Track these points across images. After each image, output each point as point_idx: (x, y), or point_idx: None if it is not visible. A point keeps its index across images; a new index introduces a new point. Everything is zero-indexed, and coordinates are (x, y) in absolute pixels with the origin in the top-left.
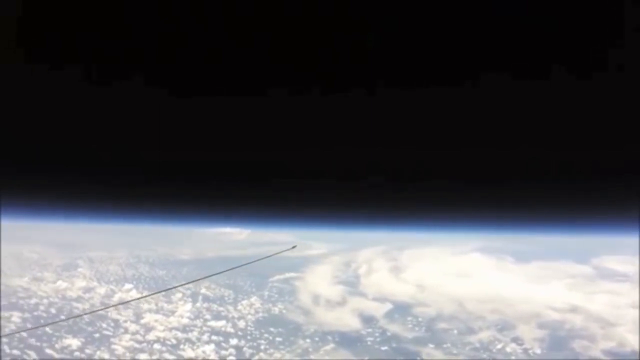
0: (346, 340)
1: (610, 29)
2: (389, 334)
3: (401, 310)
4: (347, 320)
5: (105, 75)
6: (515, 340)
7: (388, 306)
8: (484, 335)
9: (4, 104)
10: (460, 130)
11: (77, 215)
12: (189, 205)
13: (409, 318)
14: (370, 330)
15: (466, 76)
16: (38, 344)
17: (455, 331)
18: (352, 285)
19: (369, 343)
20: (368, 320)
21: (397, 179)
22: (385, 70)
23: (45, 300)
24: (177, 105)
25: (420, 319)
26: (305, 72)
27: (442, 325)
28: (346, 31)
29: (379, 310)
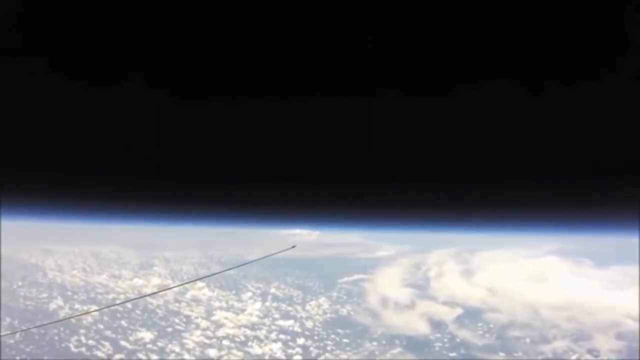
0: (414, 344)
1: (610, 29)
2: (458, 340)
3: (472, 315)
4: (415, 324)
5: (105, 75)
6: (591, 351)
7: (458, 311)
8: (558, 345)
9: (4, 104)
10: (461, 130)
11: (77, 215)
12: (189, 205)
13: (480, 324)
14: (439, 335)
15: (467, 76)
16: (113, 335)
17: (528, 340)
18: (422, 288)
19: (437, 349)
20: (437, 325)
21: (398, 179)
22: (386, 70)
23: (122, 296)
24: (177, 105)
25: (491, 326)
26: (305, 72)
27: (514, 332)
28: (346, 31)
29: (448, 314)
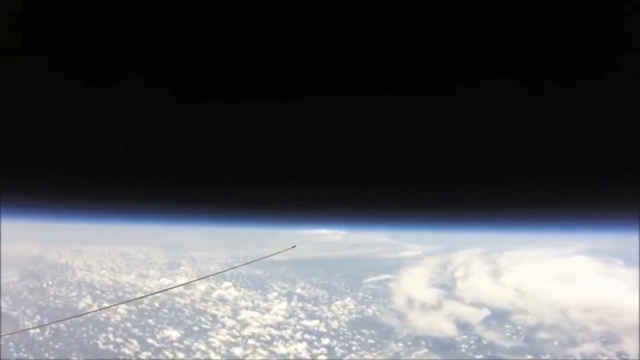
0: (439, 346)
1: (610, 30)
2: (484, 342)
3: (499, 317)
4: (441, 325)
5: (105, 75)
6: (620, 354)
7: (485, 312)
8: (587, 348)
9: (4, 104)
10: (461, 130)
11: (77, 215)
12: (189, 205)
13: (507, 326)
14: (465, 337)
15: (467, 77)
16: (140, 333)
17: (556, 342)
18: (448, 288)
19: (463, 350)
20: (463, 326)
21: (397, 179)
22: (385, 70)
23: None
24: (177, 106)
25: (519, 328)
26: (305, 72)
27: (542, 335)
28: (346, 31)
29: (475, 316)
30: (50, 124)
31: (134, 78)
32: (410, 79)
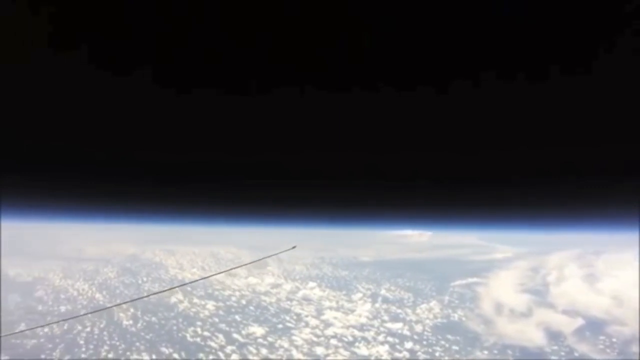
0: (527, 356)
1: (611, 30)
2: (576, 354)
3: (593, 327)
4: (530, 334)
5: (105, 75)
6: None
7: (579, 321)
8: None
9: (4, 104)
10: (461, 131)
11: (77, 215)
12: (190, 205)
13: (601, 337)
14: (555, 347)
15: (467, 77)
16: (227, 328)
17: None
18: (540, 294)
19: None
20: (554, 336)
21: (396, 179)
22: (385, 71)
23: (237, 293)
24: (176, 106)
25: (614, 340)
26: (305, 72)
27: (637, 349)
28: (346, 31)
29: (568, 325)
30: (50, 125)
31: (134, 78)
32: (409, 80)
